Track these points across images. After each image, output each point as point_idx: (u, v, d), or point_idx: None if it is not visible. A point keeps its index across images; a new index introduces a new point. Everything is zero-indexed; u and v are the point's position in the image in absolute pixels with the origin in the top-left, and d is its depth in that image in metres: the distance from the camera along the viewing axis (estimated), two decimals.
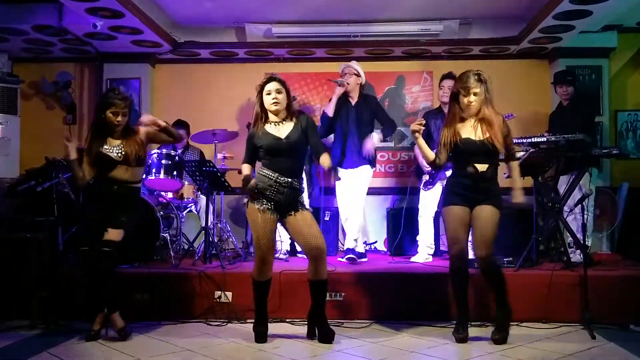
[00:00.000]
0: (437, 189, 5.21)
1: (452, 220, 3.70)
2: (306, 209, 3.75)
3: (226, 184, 5.26)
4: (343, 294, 4.35)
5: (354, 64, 5.41)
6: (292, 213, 3.67)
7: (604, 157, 5.26)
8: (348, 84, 5.29)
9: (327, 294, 4.30)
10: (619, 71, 6.57)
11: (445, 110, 5.27)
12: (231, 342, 3.77)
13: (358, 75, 5.36)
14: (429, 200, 5.29)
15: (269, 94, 3.69)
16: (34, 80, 6.87)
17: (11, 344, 3.74)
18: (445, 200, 3.81)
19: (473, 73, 3.67)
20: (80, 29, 5.85)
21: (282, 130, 3.71)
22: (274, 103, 3.68)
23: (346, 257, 5.07)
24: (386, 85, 6.78)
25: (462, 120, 3.74)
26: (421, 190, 5.37)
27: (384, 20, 6.21)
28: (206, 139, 5.82)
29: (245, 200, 3.83)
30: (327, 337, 3.70)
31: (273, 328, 3.88)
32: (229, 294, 4.40)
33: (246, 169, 3.77)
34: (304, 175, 3.99)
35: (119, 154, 3.84)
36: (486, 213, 3.62)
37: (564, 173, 5.12)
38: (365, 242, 6.05)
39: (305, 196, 4.02)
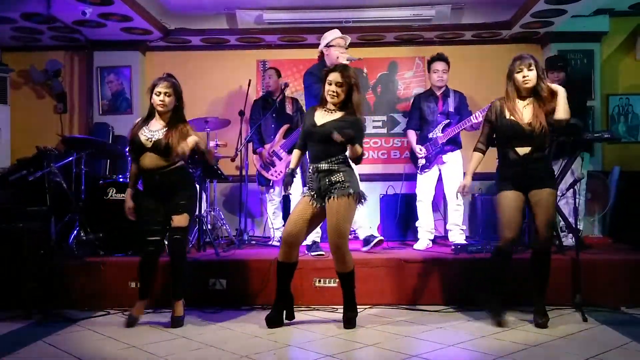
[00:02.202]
0: (433, 172, 5.21)
1: (506, 205, 3.72)
2: (345, 195, 3.60)
3: (219, 172, 5.25)
4: (337, 280, 4.35)
5: (340, 33, 4.81)
6: (332, 198, 3.61)
7: (595, 141, 5.28)
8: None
9: (321, 280, 4.36)
10: (611, 55, 6.58)
11: (438, 93, 5.25)
12: (226, 329, 3.78)
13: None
14: (426, 184, 5.24)
15: (330, 84, 3.68)
16: (24, 69, 6.81)
17: (6, 333, 3.74)
18: (498, 186, 3.82)
19: (525, 53, 3.73)
20: (69, 16, 5.78)
21: (326, 117, 3.71)
22: (331, 95, 3.68)
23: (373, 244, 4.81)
24: (378, 71, 6.76)
25: (520, 98, 3.74)
26: (418, 175, 5.30)
27: (376, 5, 6.19)
28: (198, 127, 5.77)
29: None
30: (346, 323, 3.73)
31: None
32: (224, 281, 4.40)
33: (295, 157, 3.86)
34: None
35: (150, 139, 3.80)
36: (541, 198, 3.66)
37: (555, 158, 5.13)
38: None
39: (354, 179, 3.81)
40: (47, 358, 3.22)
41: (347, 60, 4.61)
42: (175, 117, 3.90)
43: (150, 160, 3.82)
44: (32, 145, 5.65)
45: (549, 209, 3.68)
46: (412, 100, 5.59)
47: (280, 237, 5.44)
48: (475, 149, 3.93)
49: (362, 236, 4.92)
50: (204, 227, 5.14)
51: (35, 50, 6.83)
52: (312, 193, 3.71)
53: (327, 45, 4.77)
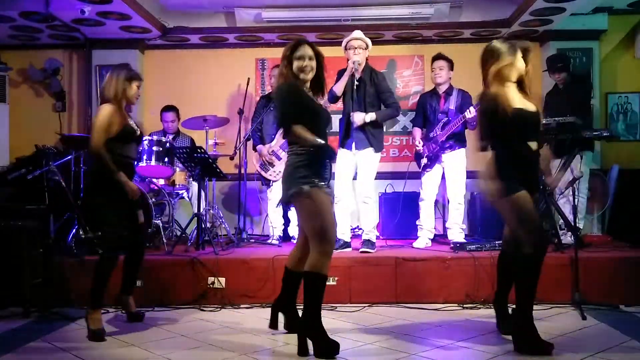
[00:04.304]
0: (437, 171, 5.21)
1: (529, 207, 3.10)
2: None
3: (218, 170, 5.25)
4: (337, 278, 4.36)
5: (359, 34, 4.85)
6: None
7: (594, 139, 5.27)
8: (360, 64, 4.78)
9: None
10: (610, 53, 6.57)
11: (440, 91, 5.25)
12: (225, 327, 3.78)
13: (367, 47, 4.87)
14: (430, 184, 5.23)
15: (302, 59, 3.19)
16: (22, 67, 6.79)
17: (5, 331, 3.74)
18: (510, 187, 3.10)
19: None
20: (67, 15, 5.77)
21: (318, 101, 3.33)
22: (307, 71, 3.21)
23: (363, 249, 4.78)
24: (377, 69, 6.71)
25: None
26: (422, 174, 5.29)
27: (375, 3, 6.19)
28: (197, 125, 5.78)
29: (297, 187, 3.09)
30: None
31: (266, 313, 3.88)
32: (222, 280, 4.40)
33: (304, 129, 3.11)
34: None
35: (137, 130, 3.81)
36: (535, 202, 3.22)
37: (555, 156, 5.12)
38: (358, 227, 6.07)
39: None
40: (46, 356, 3.22)
41: (353, 62, 4.70)
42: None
43: (134, 151, 3.85)
44: (31, 143, 5.66)
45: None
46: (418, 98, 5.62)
47: (280, 237, 5.45)
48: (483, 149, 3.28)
49: (365, 237, 4.92)
50: (203, 226, 5.13)
51: (34, 48, 6.81)
52: (326, 186, 3.21)
53: (345, 49, 4.91)
